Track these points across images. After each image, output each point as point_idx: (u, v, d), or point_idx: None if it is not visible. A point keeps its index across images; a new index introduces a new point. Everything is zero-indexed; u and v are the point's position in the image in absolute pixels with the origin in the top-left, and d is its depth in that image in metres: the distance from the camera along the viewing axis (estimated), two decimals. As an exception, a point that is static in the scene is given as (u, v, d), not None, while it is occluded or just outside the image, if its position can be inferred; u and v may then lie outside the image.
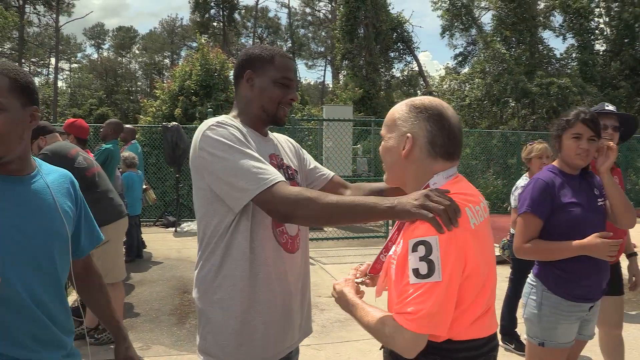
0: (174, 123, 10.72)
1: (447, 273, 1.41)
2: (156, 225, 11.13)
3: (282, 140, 2.13)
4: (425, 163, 1.62)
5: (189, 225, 10.75)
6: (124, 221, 4.53)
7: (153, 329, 4.98)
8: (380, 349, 1.75)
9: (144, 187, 8.13)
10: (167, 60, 53.32)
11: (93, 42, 57.32)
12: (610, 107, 3.33)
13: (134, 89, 52.93)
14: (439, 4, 29.22)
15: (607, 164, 2.78)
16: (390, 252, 1.62)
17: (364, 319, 1.55)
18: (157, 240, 9.41)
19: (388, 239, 1.74)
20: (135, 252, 7.69)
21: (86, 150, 4.95)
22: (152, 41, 53.85)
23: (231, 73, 18.05)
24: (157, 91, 15.45)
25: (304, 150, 2.23)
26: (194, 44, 40.68)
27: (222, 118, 1.83)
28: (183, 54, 49.48)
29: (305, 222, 1.70)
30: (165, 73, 48.74)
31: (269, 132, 2.05)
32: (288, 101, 1.94)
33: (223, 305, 1.80)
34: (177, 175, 10.84)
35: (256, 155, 1.74)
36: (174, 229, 10.55)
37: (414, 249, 1.43)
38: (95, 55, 57.18)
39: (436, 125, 1.61)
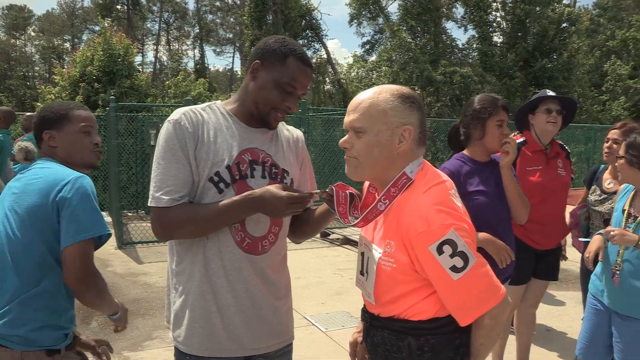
0: (74, 111, 10.20)
1: (475, 251, 1.50)
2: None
3: (287, 136, 1.97)
4: (415, 153, 1.59)
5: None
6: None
7: (53, 328, 4.71)
8: None
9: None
10: (67, 44, 50.33)
11: (-21, 21, 53.14)
12: (551, 93, 3.44)
13: (30, 74, 49.48)
14: (348, -8, 29.56)
15: (508, 159, 2.82)
16: (378, 254, 1.57)
17: (483, 351, 1.59)
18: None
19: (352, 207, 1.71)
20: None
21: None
22: (49, 23, 50.54)
23: (136, 59, 17.55)
24: (56, 77, 14.70)
25: (307, 156, 2.06)
26: (97, 28, 38.86)
27: (189, 111, 1.77)
28: (85, 37, 47.08)
29: (185, 237, 1.77)
30: (66, 58, 45.98)
31: (281, 123, 1.93)
32: (284, 108, 1.80)
33: (181, 293, 1.80)
34: (78, 166, 10.34)
35: (176, 166, 1.71)
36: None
37: (440, 252, 1.44)
38: (-17, 36, 53.10)
39: (422, 114, 1.60)
